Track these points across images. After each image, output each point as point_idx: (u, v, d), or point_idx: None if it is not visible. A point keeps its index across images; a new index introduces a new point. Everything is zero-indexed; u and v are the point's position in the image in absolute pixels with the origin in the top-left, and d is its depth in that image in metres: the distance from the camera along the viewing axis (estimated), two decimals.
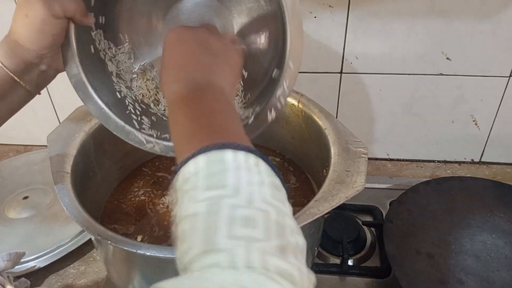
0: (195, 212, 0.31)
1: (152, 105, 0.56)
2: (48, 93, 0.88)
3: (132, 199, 0.67)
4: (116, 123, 0.52)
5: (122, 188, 0.69)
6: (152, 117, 0.55)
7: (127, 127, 0.53)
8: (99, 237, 0.46)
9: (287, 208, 0.33)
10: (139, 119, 0.54)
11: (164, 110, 0.57)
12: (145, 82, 0.55)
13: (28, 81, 0.47)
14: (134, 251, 0.44)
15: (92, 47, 0.52)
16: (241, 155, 0.33)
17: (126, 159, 0.69)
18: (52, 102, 0.89)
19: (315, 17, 0.74)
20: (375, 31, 0.74)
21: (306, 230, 0.54)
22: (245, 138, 0.37)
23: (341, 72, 0.80)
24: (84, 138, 0.60)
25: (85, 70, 0.50)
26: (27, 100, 0.49)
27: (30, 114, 0.92)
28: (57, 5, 0.43)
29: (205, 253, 0.28)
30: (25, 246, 0.66)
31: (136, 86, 0.55)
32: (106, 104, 0.52)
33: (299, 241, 0.31)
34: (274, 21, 0.51)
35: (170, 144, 0.54)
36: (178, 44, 0.44)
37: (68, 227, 0.72)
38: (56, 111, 0.91)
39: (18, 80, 0.46)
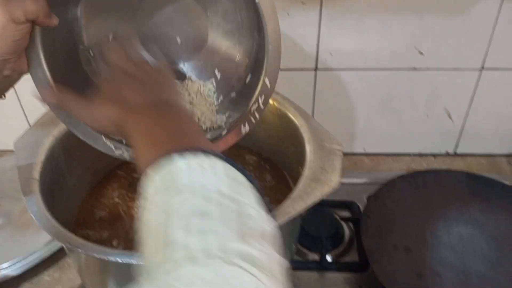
0: (155, 224, 0.31)
1: None
2: (17, 97, 0.85)
3: (106, 203, 0.65)
4: (84, 129, 0.51)
5: (96, 193, 0.67)
6: None
7: (95, 132, 0.51)
8: (69, 245, 0.45)
9: (251, 200, 0.33)
10: None
11: None
12: None
13: None
14: (105, 258, 0.43)
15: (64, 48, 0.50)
16: (194, 161, 0.33)
17: (98, 163, 0.67)
18: (21, 106, 0.87)
19: (288, 14, 0.73)
20: (349, 27, 0.74)
21: (283, 228, 0.52)
22: (200, 137, 0.38)
23: (315, 69, 0.79)
24: (53, 144, 0.58)
25: (52, 72, 0.48)
26: None
27: None
28: (17, 9, 0.41)
29: (166, 255, 0.28)
30: None
31: None
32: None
33: (265, 227, 0.31)
34: (250, 31, 0.52)
35: None
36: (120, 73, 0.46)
37: (41, 234, 0.69)
38: (26, 115, 0.88)
39: None
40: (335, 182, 0.51)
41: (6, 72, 0.45)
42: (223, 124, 0.54)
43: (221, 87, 0.55)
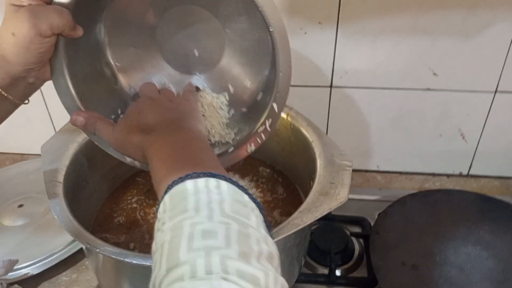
0: (162, 242, 0.33)
1: None
2: (45, 103, 0.89)
3: (125, 207, 0.68)
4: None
5: (115, 197, 0.70)
6: None
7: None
8: (88, 246, 0.47)
9: (253, 220, 0.35)
10: None
11: None
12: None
13: (14, 94, 0.47)
14: (122, 259, 0.46)
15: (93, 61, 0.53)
16: (201, 182, 0.36)
17: (118, 169, 0.70)
18: (48, 112, 0.91)
19: (305, 33, 0.76)
20: (363, 47, 0.76)
21: (292, 240, 0.55)
22: (212, 163, 0.41)
23: (331, 86, 0.82)
24: (77, 149, 0.61)
25: (74, 81, 0.50)
26: (13, 110, 0.49)
27: (26, 124, 0.93)
28: (44, 24, 0.43)
29: (169, 271, 0.30)
30: (19, 254, 0.67)
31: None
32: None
33: (264, 248, 0.33)
34: (265, 51, 0.53)
35: None
36: (145, 110, 0.50)
37: (61, 235, 0.73)
38: (53, 121, 0.92)
39: (4, 93, 0.46)
40: (343, 196, 0.53)
41: (30, 80, 0.47)
42: (230, 140, 0.56)
43: (233, 102, 0.57)
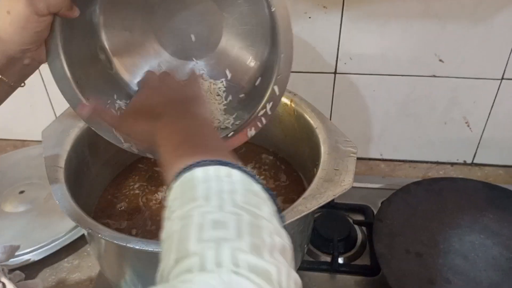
0: (171, 232, 0.32)
1: None
2: (46, 88, 0.89)
3: (127, 193, 0.68)
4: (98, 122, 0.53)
5: (117, 183, 0.70)
6: None
7: (106, 124, 0.53)
8: (90, 231, 0.47)
9: (265, 212, 0.34)
10: None
11: None
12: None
13: (10, 76, 0.46)
14: (124, 244, 0.45)
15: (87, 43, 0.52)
16: (211, 170, 0.35)
17: (120, 155, 0.69)
18: (49, 98, 0.90)
19: (309, 17, 0.75)
20: (369, 32, 0.75)
21: (295, 227, 0.55)
22: (222, 151, 0.39)
23: (335, 73, 0.81)
24: (78, 134, 0.61)
25: (69, 63, 0.49)
26: (10, 93, 0.48)
27: (28, 109, 0.93)
28: (41, 2, 0.42)
29: (178, 261, 0.29)
30: (20, 240, 0.67)
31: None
32: (87, 100, 0.51)
33: (277, 241, 0.32)
34: (264, 35, 0.53)
35: None
36: (154, 96, 0.50)
37: (63, 221, 0.73)
38: (53, 107, 0.92)
39: (1, 76, 0.45)
40: (348, 183, 0.52)
41: (26, 61, 0.46)
42: (230, 125, 0.56)
43: (230, 87, 0.57)
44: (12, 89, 0.48)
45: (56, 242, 0.71)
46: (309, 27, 0.75)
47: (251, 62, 0.56)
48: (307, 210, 0.49)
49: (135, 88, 0.57)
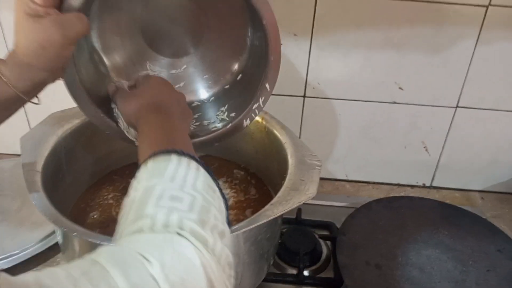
0: (133, 198, 0.37)
1: None
2: None
3: (100, 203, 0.69)
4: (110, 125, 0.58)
5: (91, 193, 0.71)
6: None
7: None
8: (65, 230, 0.49)
9: (216, 204, 0.39)
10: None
11: None
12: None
13: (32, 96, 0.50)
14: (98, 242, 0.47)
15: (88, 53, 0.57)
16: (185, 159, 0.40)
17: (96, 166, 0.72)
18: (25, 112, 0.92)
19: (281, 43, 0.80)
20: (335, 59, 0.81)
21: (263, 233, 0.58)
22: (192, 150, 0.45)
23: (304, 96, 0.86)
24: (56, 141, 0.63)
25: (80, 75, 0.54)
26: (22, 106, 0.51)
27: (2, 124, 0.93)
28: (72, 33, 0.45)
29: (133, 221, 0.35)
30: None
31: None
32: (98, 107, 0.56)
33: (219, 225, 0.37)
34: (245, 34, 0.59)
35: None
36: (162, 85, 0.56)
37: (33, 232, 0.74)
38: (29, 121, 0.93)
39: (25, 97, 0.48)
40: (312, 192, 0.56)
41: (49, 81, 0.50)
42: (226, 117, 0.63)
43: (216, 81, 0.63)
44: (24, 103, 0.51)
45: (26, 252, 0.71)
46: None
47: (233, 57, 0.62)
48: (274, 215, 0.52)
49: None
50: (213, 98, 0.64)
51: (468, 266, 0.71)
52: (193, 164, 0.40)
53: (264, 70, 0.57)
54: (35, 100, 0.52)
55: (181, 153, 0.40)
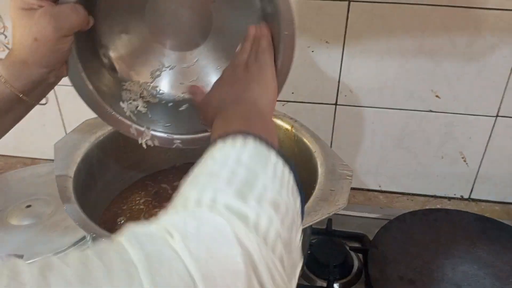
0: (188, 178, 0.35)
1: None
2: (59, 108, 0.93)
3: (132, 207, 0.70)
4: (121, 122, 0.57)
5: (123, 198, 0.72)
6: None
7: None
8: (94, 235, 0.49)
9: (269, 173, 0.34)
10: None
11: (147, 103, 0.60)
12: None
13: (33, 96, 0.48)
14: None
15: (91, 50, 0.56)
16: (239, 139, 0.36)
17: (127, 173, 0.72)
18: (62, 118, 0.94)
19: (312, 51, 0.79)
20: (368, 67, 0.79)
21: None
22: (270, 133, 0.42)
23: (336, 104, 0.84)
24: (89, 148, 0.64)
25: (87, 73, 0.52)
26: (30, 110, 0.50)
27: (40, 129, 0.97)
28: (66, 24, 0.44)
29: (172, 206, 0.32)
30: (24, 251, 0.69)
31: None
32: (110, 106, 0.55)
33: (268, 194, 0.32)
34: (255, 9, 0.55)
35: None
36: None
37: (66, 236, 0.75)
38: (65, 126, 0.96)
39: (25, 98, 0.47)
40: (342, 203, 0.54)
41: (51, 80, 0.49)
42: None
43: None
44: (32, 107, 0.50)
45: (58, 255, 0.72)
46: (312, 60, 0.80)
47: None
48: (302, 226, 0.51)
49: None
50: None
51: (508, 284, 0.67)
52: (250, 140, 0.36)
53: (277, 50, 0.51)
54: (43, 101, 0.51)
55: (245, 133, 0.36)
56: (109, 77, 0.58)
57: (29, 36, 0.43)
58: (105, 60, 0.58)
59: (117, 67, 0.59)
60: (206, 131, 0.58)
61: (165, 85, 0.61)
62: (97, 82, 0.54)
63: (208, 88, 0.55)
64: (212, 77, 0.61)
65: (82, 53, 0.52)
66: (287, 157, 0.36)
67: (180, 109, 0.60)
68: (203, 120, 0.53)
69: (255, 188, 0.32)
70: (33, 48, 0.44)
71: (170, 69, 0.60)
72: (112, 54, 0.58)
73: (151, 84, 0.60)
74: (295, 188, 0.36)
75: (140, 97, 0.59)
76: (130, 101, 0.57)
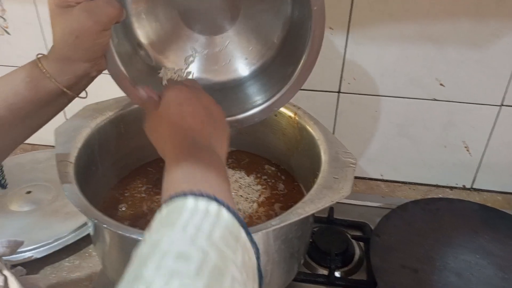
0: (141, 251, 0.31)
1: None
2: None
3: (134, 195, 0.69)
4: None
5: (124, 184, 0.71)
6: None
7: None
8: (96, 221, 0.49)
9: (239, 259, 0.32)
10: None
11: None
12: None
13: (76, 90, 0.49)
14: (128, 235, 0.47)
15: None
16: (203, 203, 0.34)
17: (129, 158, 0.72)
18: None
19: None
20: (372, 54, 0.78)
21: (293, 231, 0.56)
22: (228, 198, 0.38)
23: (338, 92, 0.83)
24: (89, 134, 0.63)
25: (124, 65, 0.52)
26: (71, 101, 0.51)
27: None
28: (104, 18, 0.44)
29: (129, 282, 0.29)
30: (24, 237, 0.68)
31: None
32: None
33: None
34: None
35: None
36: (186, 104, 0.47)
37: (66, 222, 0.75)
38: (65, 112, 0.94)
39: (70, 93, 0.48)
40: (346, 191, 0.54)
41: (93, 74, 0.50)
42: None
43: (256, 56, 0.60)
44: (73, 99, 0.51)
45: (59, 242, 0.72)
46: None
47: (276, 24, 0.58)
48: (306, 213, 0.50)
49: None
50: (258, 71, 0.60)
51: (510, 273, 0.67)
52: (213, 207, 0.34)
53: (306, 35, 0.51)
54: (82, 94, 0.51)
55: (199, 194, 0.34)
56: (144, 66, 0.58)
57: (71, 34, 0.44)
58: (139, 50, 0.58)
59: (151, 55, 0.59)
60: (242, 113, 0.58)
61: (198, 70, 0.61)
62: (134, 72, 0.53)
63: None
64: (241, 61, 0.61)
65: (120, 45, 0.52)
66: (247, 228, 0.35)
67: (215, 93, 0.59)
68: (149, 136, 0.49)
69: (223, 281, 0.30)
70: (75, 45, 0.45)
71: (202, 54, 0.60)
72: (145, 42, 0.58)
73: (185, 71, 0.60)
74: (257, 274, 0.35)
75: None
76: None
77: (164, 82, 0.58)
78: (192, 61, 0.60)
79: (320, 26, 0.50)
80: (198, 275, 0.28)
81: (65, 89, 0.47)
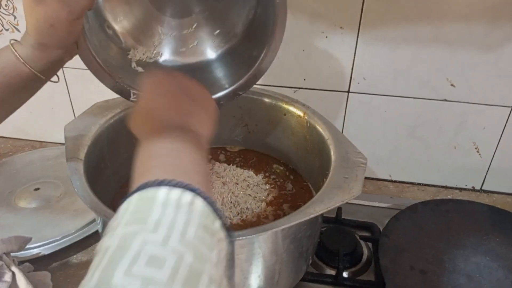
0: (107, 247, 0.29)
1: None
2: (68, 92, 0.92)
3: None
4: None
5: None
6: None
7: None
8: (105, 218, 0.48)
9: (214, 256, 0.31)
10: None
11: None
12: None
13: (49, 74, 0.51)
14: None
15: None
16: (176, 192, 0.32)
17: None
18: (71, 102, 0.94)
19: (326, 37, 0.78)
20: (383, 54, 0.78)
21: (302, 231, 0.56)
22: (202, 181, 0.36)
23: (348, 91, 0.83)
24: (99, 131, 0.63)
25: (95, 49, 0.53)
26: (43, 85, 0.52)
27: (48, 112, 0.96)
28: (78, 7, 0.45)
29: (97, 285, 0.26)
30: (32, 234, 0.68)
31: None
32: (119, 78, 0.56)
33: None
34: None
35: None
36: (161, 86, 0.48)
37: (74, 219, 0.75)
38: (74, 110, 0.95)
39: (43, 78, 0.49)
40: (356, 190, 0.53)
41: (66, 59, 0.51)
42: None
43: (225, 37, 0.62)
44: (45, 83, 0.52)
45: (67, 239, 0.72)
46: (325, 46, 0.78)
47: (242, 6, 0.60)
48: (316, 213, 0.50)
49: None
50: (224, 54, 0.61)
51: None
52: (186, 197, 0.32)
53: (270, 20, 0.53)
54: (54, 78, 0.52)
55: (172, 184, 0.32)
56: (115, 49, 0.59)
57: (45, 22, 0.45)
58: (110, 32, 0.59)
59: (121, 37, 0.60)
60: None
61: (167, 52, 0.62)
62: (104, 55, 0.55)
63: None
64: (210, 42, 0.63)
65: (90, 30, 0.53)
66: (221, 214, 0.33)
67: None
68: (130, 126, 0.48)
69: (199, 285, 0.28)
70: (50, 33, 0.46)
71: (171, 36, 0.61)
72: (116, 25, 0.59)
73: (153, 52, 0.61)
74: (228, 255, 0.33)
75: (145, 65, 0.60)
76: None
77: (133, 64, 0.59)
78: (159, 43, 0.62)
79: (283, 12, 0.52)
80: (173, 282, 0.27)
81: (38, 74, 0.48)
